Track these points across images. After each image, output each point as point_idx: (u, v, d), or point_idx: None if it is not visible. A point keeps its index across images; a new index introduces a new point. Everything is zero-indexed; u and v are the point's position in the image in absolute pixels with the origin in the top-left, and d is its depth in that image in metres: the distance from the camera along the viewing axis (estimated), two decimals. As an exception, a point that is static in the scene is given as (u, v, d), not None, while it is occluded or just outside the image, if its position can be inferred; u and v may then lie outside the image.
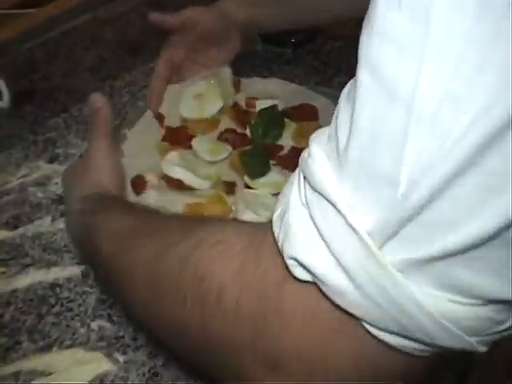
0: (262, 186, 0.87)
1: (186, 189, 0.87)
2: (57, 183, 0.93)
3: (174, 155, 0.90)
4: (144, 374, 0.69)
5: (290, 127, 0.98)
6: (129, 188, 0.85)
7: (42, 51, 1.10)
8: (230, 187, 0.88)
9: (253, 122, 0.95)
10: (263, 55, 1.21)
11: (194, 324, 0.48)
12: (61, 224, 0.87)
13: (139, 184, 0.85)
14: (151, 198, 0.84)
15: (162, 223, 0.60)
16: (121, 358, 0.71)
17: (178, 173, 0.87)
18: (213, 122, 0.98)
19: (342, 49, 1.21)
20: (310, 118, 0.99)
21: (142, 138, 0.95)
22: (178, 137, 0.95)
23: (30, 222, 0.88)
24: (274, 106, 0.97)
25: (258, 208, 0.82)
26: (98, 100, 0.81)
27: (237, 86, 1.03)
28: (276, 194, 0.85)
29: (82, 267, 0.81)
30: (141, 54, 1.19)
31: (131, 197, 0.84)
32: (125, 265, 0.58)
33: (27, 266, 0.82)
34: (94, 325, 0.74)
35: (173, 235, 0.54)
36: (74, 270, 0.81)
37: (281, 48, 1.22)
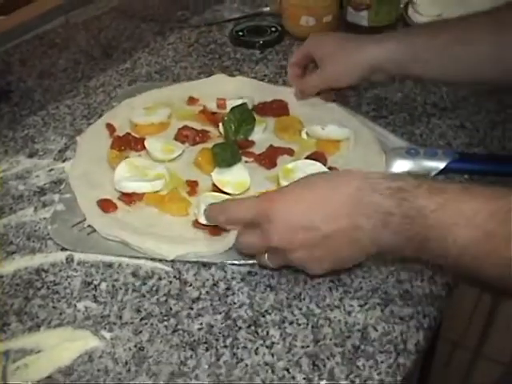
0: (228, 183, 0.91)
1: (141, 199, 0.91)
2: (37, 176, 0.96)
3: (122, 168, 0.93)
4: (130, 349, 0.73)
5: (267, 122, 1.04)
6: (96, 207, 0.89)
7: (18, 54, 1.13)
8: (192, 186, 0.93)
9: (225, 118, 1.00)
10: (233, 56, 1.25)
11: None
12: (43, 214, 0.90)
13: (108, 205, 0.90)
14: (123, 215, 0.89)
15: None
16: (107, 335, 0.74)
17: (128, 187, 0.91)
18: (162, 125, 1.04)
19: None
20: (281, 113, 1.04)
21: (93, 146, 1.01)
22: (127, 142, 1.00)
23: (13, 213, 0.90)
24: (244, 104, 1.03)
25: None
26: None
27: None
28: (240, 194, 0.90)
29: (66, 253, 0.84)
30: (114, 56, 1.23)
31: (99, 215, 0.88)
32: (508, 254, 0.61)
33: (12, 253, 0.84)
34: (80, 305, 0.78)
35: None
36: (59, 256, 0.84)
37: (249, 49, 1.27)
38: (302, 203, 0.72)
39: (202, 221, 0.83)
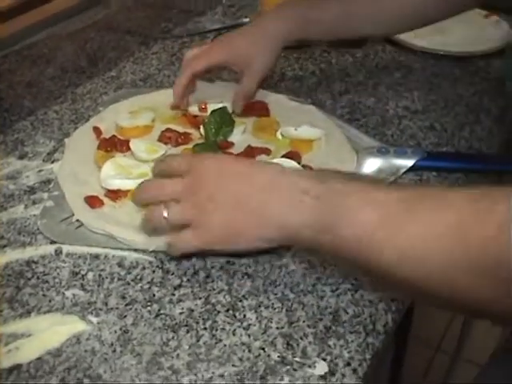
0: None
1: (126, 195, 0.96)
2: (27, 176, 1.01)
3: (108, 166, 0.98)
4: (115, 332, 0.77)
5: (246, 124, 1.10)
6: (83, 203, 0.94)
7: (7, 64, 1.18)
8: None
9: (206, 121, 1.06)
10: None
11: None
12: (33, 210, 0.95)
13: (94, 201, 0.94)
14: (109, 210, 0.94)
15: (435, 197, 0.64)
16: (94, 320, 0.79)
17: (114, 184, 0.96)
18: (146, 128, 1.09)
19: (285, 58, 1.32)
20: (261, 114, 1.11)
21: (81, 147, 1.06)
22: (113, 143, 1.05)
23: (4, 210, 0.95)
24: (224, 107, 1.09)
25: None
26: None
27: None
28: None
29: (55, 246, 0.88)
30: (100, 65, 1.28)
31: (86, 210, 0.93)
32: (409, 237, 0.62)
33: (4, 246, 0.89)
34: (68, 293, 0.82)
35: (466, 209, 0.59)
36: (48, 249, 0.88)
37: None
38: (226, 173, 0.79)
39: None
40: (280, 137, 1.07)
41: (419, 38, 1.41)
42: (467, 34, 1.47)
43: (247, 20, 1.47)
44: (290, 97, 1.18)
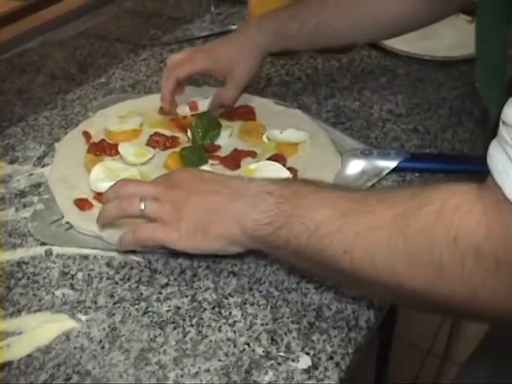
0: None
1: None
2: (18, 180, 1.03)
3: (97, 169, 1.00)
4: (104, 329, 0.79)
5: (233, 127, 1.12)
6: (73, 205, 0.96)
7: (-2, 70, 1.21)
8: None
9: (193, 125, 1.08)
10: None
11: (453, 279, 0.59)
12: (24, 213, 0.97)
13: (84, 203, 0.97)
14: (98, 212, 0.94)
15: (386, 194, 0.69)
16: (83, 318, 0.81)
17: (103, 187, 0.97)
18: (135, 132, 1.12)
19: (271, 64, 1.35)
20: (248, 118, 1.14)
21: (70, 151, 1.08)
22: (102, 147, 1.07)
23: (-5, 213, 0.97)
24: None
25: None
26: None
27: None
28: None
29: (45, 247, 0.90)
30: (90, 72, 1.30)
31: (76, 212, 0.95)
32: (355, 229, 0.66)
33: (-5, 248, 0.91)
34: (58, 292, 0.84)
35: (406, 203, 0.64)
36: (38, 250, 0.90)
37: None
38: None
39: None
40: (266, 140, 1.10)
41: (405, 44, 1.44)
42: (452, 39, 1.49)
43: (235, 27, 1.49)
44: (275, 101, 1.21)
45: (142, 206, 0.82)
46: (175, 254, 0.88)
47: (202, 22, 1.57)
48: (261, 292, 0.83)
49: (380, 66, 1.38)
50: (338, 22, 1.12)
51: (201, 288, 0.84)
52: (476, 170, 1.07)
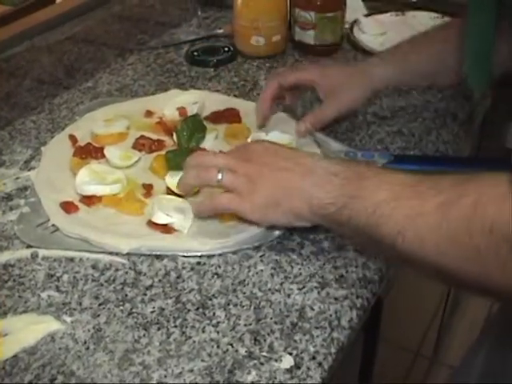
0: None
1: (100, 201, 0.99)
2: (5, 184, 1.04)
3: (83, 173, 1.01)
4: (89, 330, 0.80)
5: (218, 130, 1.13)
6: (58, 208, 0.97)
7: (-15, 75, 1.21)
8: (148, 189, 1.01)
9: (178, 128, 1.09)
10: (188, 74, 1.34)
11: (490, 264, 0.65)
12: (10, 216, 0.97)
13: (70, 206, 0.97)
14: (83, 215, 0.97)
15: (434, 181, 0.73)
16: (68, 319, 0.81)
17: (88, 190, 0.99)
18: (121, 135, 1.13)
19: (257, 67, 1.36)
20: (233, 121, 1.15)
21: (57, 155, 1.09)
22: (88, 151, 1.08)
23: (-18, 217, 0.98)
24: (195, 115, 1.13)
25: (171, 210, 0.94)
26: None
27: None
28: (191, 196, 0.98)
29: (31, 250, 0.91)
30: (77, 76, 1.31)
31: (62, 215, 0.96)
32: (405, 212, 0.72)
33: (-19, 251, 0.92)
34: (44, 295, 0.85)
35: (447, 192, 0.69)
36: (24, 253, 0.91)
37: (204, 68, 1.36)
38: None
39: (155, 220, 0.92)
40: None
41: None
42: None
43: (221, 31, 1.50)
44: None
45: (219, 177, 0.86)
46: (160, 256, 0.89)
47: (189, 26, 1.59)
48: (244, 293, 0.84)
49: None
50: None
51: (185, 289, 0.85)
52: (460, 172, 1.09)
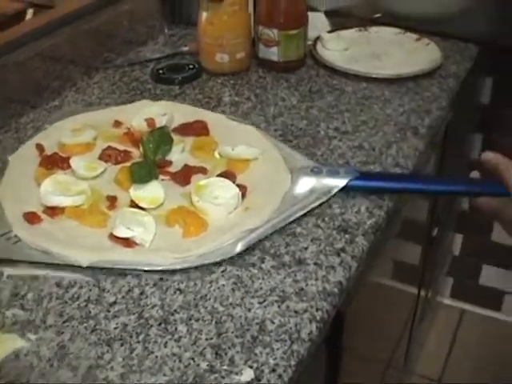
0: (144, 199, 1.01)
1: (63, 212, 1.00)
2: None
3: (47, 183, 1.02)
4: (53, 348, 0.81)
5: (185, 143, 1.15)
6: (22, 219, 0.98)
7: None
8: (112, 201, 1.02)
9: (145, 140, 1.11)
10: (153, 92, 1.36)
11: None
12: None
13: (33, 217, 0.98)
14: (46, 226, 0.98)
15: None
16: (32, 337, 0.83)
17: (52, 200, 0.99)
18: (88, 145, 1.14)
19: (222, 84, 1.38)
20: (201, 134, 1.17)
21: (23, 164, 1.10)
22: (54, 160, 1.09)
23: None
24: (163, 127, 1.15)
25: (133, 224, 0.95)
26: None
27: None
28: (155, 209, 1.00)
29: (-4, 269, 0.93)
30: (44, 95, 1.32)
31: (25, 226, 0.97)
32: None
33: None
34: (9, 313, 0.86)
35: None
36: (-11, 271, 0.92)
37: (169, 85, 1.38)
38: None
39: (117, 233, 0.94)
40: (218, 156, 1.12)
41: (354, 62, 1.48)
42: (399, 57, 1.54)
43: (187, 49, 1.52)
44: (229, 116, 1.24)
45: None
46: (123, 272, 0.91)
47: (155, 44, 1.61)
48: (206, 308, 0.86)
49: (328, 85, 1.42)
50: None
51: (148, 305, 0.87)
52: (424, 190, 1.11)
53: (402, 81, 1.44)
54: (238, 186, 1.03)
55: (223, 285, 0.90)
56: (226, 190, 1.01)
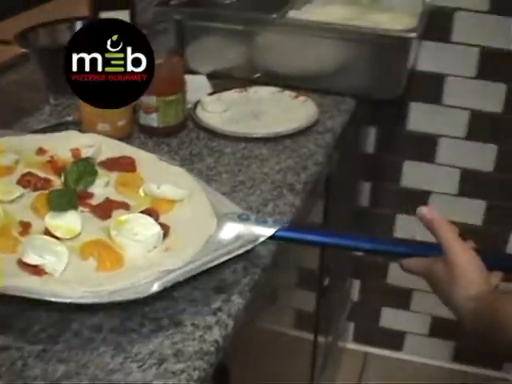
0: (59, 228, 0.97)
1: None
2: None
3: None
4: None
5: (110, 177, 1.12)
6: None
7: None
8: (25, 227, 0.98)
9: (68, 169, 1.08)
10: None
11: None
12: None
13: None
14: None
15: None
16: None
17: None
18: (8, 169, 1.11)
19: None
20: (127, 169, 1.15)
21: None
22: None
23: None
24: (88, 158, 1.12)
25: (44, 252, 0.91)
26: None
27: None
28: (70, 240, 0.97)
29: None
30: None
31: None
32: None
33: None
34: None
35: None
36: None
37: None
38: None
39: (25, 260, 0.90)
40: (142, 194, 1.09)
41: (235, 123, 1.53)
42: (277, 115, 1.60)
43: (71, 118, 1.55)
44: (159, 157, 1.22)
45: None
46: (4, 347, 0.93)
47: (41, 114, 1.61)
48: (87, 375, 0.88)
49: (208, 147, 1.43)
50: None
51: (30, 377, 0.87)
52: (353, 247, 1.15)
53: (280, 139, 1.46)
54: (161, 224, 1.00)
55: (103, 351, 0.89)
56: (147, 228, 0.98)
